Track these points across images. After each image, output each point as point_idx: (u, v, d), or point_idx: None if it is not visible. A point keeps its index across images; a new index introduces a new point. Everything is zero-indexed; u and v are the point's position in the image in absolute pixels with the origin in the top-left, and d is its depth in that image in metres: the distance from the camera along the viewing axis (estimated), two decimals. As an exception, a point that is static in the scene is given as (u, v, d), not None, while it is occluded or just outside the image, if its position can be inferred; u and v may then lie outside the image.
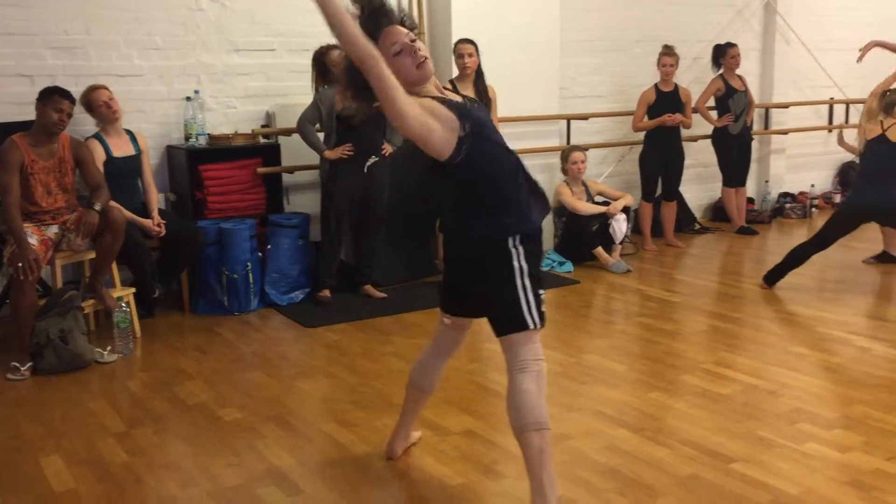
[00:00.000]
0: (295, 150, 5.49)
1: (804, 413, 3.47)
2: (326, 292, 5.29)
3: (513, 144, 6.83)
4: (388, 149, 5.26)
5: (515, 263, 2.51)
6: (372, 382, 3.94)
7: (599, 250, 6.11)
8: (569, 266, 6.11)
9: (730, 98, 7.12)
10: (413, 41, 2.54)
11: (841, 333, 4.53)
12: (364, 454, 3.18)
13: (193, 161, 5.20)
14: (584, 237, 6.13)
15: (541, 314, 2.55)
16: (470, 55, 5.51)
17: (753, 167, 7.92)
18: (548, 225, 6.48)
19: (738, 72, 7.21)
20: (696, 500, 2.78)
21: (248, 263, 5.08)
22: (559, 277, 5.89)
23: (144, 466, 3.10)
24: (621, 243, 6.27)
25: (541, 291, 2.56)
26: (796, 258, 5.41)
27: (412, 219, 5.81)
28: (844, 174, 8.75)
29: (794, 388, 3.77)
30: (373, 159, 5.19)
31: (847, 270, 5.98)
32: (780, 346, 4.38)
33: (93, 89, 4.84)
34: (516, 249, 2.51)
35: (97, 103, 4.83)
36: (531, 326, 2.51)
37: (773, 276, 5.48)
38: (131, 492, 2.91)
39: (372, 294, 5.44)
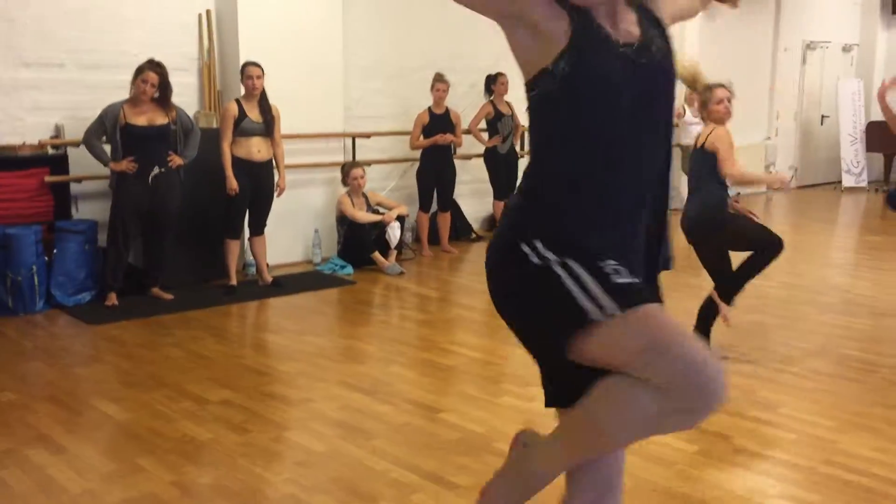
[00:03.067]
0: (84, 160, 5.79)
1: (509, 376, 4.26)
2: (113, 297, 5.60)
3: (298, 159, 7.42)
4: (175, 160, 5.67)
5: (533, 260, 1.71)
6: (145, 367, 4.38)
7: (377, 255, 6.79)
8: (349, 269, 6.75)
9: (498, 121, 8.04)
10: None
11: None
12: (127, 420, 3.64)
13: (-21, 169, 5.44)
14: (363, 243, 6.79)
15: (614, 293, 1.63)
16: (258, 77, 6.03)
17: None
18: (331, 232, 7.11)
19: (507, 98, 8.15)
20: (403, 440, 3.46)
21: (34, 266, 5.35)
22: (339, 279, 6.52)
23: (-83, 440, 3.41)
24: (397, 248, 6.99)
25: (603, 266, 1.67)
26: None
27: (202, 225, 6.25)
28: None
29: (508, 357, 4.56)
30: (157, 170, 5.59)
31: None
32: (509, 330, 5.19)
33: None
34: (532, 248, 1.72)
35: None
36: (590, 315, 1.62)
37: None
38: None
39: (159, 296, 5.83)
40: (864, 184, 12.43)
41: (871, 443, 3.42)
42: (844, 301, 5.88)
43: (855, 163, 12.52)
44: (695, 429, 3.47)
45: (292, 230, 6.99)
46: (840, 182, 12.61)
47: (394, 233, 6.90)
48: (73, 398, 3.94)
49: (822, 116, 13.16)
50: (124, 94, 5.55)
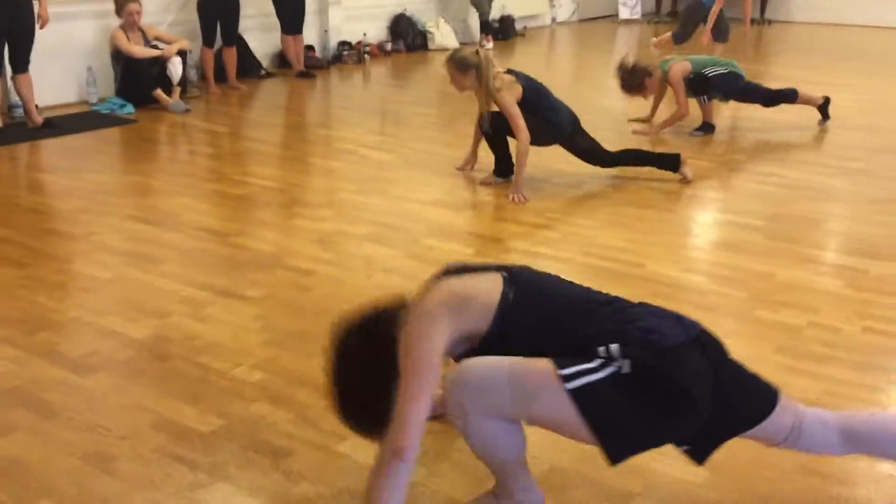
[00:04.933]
0: None
1: (300, 202, 4.35)
2: None
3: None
4: None
5: None
6: None
7: (159, 92, 6.49)
8: (130, 108, 6.42)
9: (281, -50, 7.70)
10: None
11: (353, 147, 5.50)
12: None
13: None
14: (142, 80, 6.45)
15: None
16: None
17: (315, 18, 8.70)
18: (107, 70, 6.68)
19: (289, -75, 7.77)
20: (193, 263, 3.51)
21: None
22: (119, 118, 6.21)
23: None
24: (180, 85, 6.70)
25: None
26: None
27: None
28: (396, 24, 9.91)
29: (298, 185, 4.65)
30: None
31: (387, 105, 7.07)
32: (302, 159, 5.25)
33: None
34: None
35: None
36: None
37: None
38: None
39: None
40: (637, 16, 13.12)
41: (621, 235, 3.87)
42: (615, 122, 6.34)
43: (627, -4, 13.14)
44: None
45: (62, 68, 6.50)
46: (617, 15, 13.23)
47: (175, 69, 6.58)
48: None
49: (601, -49, 13.58)
50: None
